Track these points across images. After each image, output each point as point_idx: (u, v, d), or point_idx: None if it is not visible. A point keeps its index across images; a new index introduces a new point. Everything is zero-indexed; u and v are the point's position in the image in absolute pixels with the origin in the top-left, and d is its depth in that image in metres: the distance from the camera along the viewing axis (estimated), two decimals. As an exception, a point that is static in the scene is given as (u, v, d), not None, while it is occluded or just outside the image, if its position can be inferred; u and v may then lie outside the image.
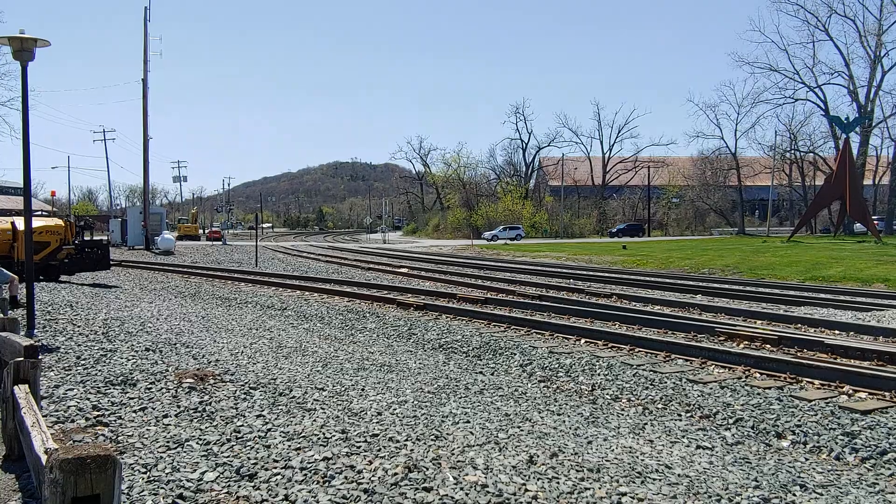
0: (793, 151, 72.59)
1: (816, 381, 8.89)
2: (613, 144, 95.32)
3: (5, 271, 14.50)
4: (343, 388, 7.88)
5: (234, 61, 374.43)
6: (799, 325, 13.41)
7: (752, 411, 7.86)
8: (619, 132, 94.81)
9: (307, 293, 19.96)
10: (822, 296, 18.61)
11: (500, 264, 32.38)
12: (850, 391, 8.48)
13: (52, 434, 4.11)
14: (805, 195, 73.03)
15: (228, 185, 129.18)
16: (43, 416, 4.65)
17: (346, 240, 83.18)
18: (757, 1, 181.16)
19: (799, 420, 7.49)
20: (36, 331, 10.92)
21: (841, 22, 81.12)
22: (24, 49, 10.16)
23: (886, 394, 8.25)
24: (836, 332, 12.70)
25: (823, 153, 69.83)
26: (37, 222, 20.17)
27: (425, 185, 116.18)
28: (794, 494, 5.40)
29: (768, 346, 11.19)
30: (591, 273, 26.75)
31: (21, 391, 5.04)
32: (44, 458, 3.43)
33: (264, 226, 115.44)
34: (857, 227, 56.26)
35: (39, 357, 5.54)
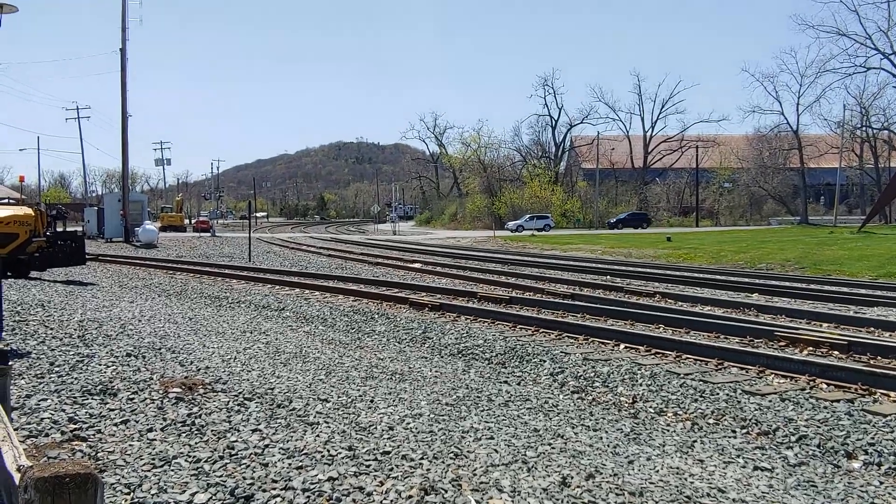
0: (864, 128, 71.81)
1: (893, 394, 8.81)
2: (656, 121, 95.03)
3: (-31, 267, 14.67)
4: (350, 400, 7.89)
5: (224, 30, 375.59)
6: (872, 329, 13.28)
7: (818, 427, 7.79)
8: (663, 107, 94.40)
9: (307, 291, 20.04)
10: (899, 295, 18.41)
11: (526, 258, 32.33)
12: (932, 405, 8.39)
13: (24, 449, 4.16)
14: (878, 179, 72.21)
15: (218, 168, 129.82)
16: (14, 430, 4.70)
17: (352, 231, 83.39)
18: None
19: (872, 438, 7.42)
20: (4, 334, 11.02)
21: (920, -22, 79.93)
22: (-11, 16, 10.24)
23: (974, 408, 8.15)
24: (915, 336, 12.57)
25: (900, 131, 68.97)
26: (3, 212, 20.39)
27: (441, 168, 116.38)
28: (867, 523, 5.35)
29: (836, 352, 11.09)
30: (630, 269, 26.65)
31: (-10, 401, 5.10)
32: (16, 476, 3.46)
33: (258, 215, 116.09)
34: (938, 215, 55.55)
35: (9, 363, 5.60)
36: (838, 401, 8.67)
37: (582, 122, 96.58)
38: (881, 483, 6.45)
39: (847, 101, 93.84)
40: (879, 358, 10.64)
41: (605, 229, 67.76)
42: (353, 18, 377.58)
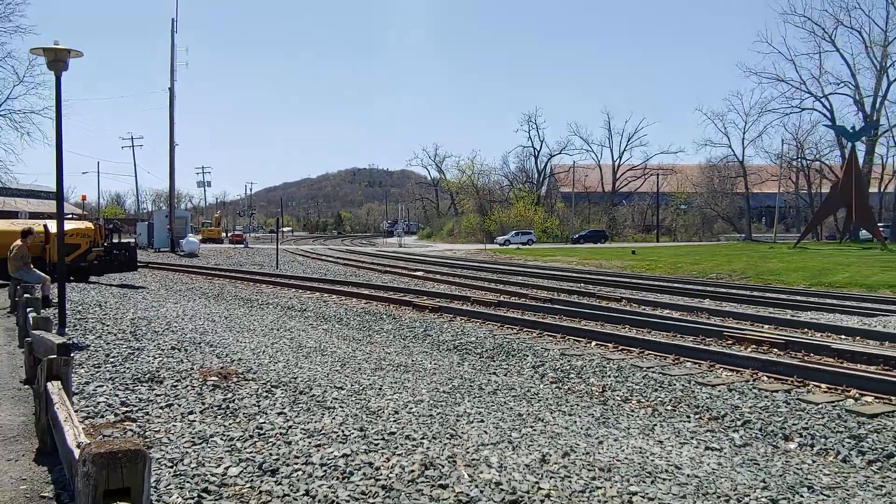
0: (799, 160, 71.98)
1: (823, 385, 8.81)
2: (623, 152, 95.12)
3: (38, 272, 14.67)
4: (361, 388, 7.88)
5: (257, 71, 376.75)
6: (806, 330, 13.29)
7: (760, 414, 7.79)
8: (629, 140, 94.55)
9: (326, 295, 20.03)
10: (829, 301, 18.44)
11: (512, 268, 32.34)
12: (857, 395, 8.40)
13: (83, 429, 4.14)
14: (811, 202, 72.37)
15: (250, 190, 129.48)
16: (74, 412, 4.68)
17: (364, 243, 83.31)
18: (765, 13, 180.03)
19: (806, 423, 7.42)
20: (67, 329, 11.00)
21: (847, 33, 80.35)
22: (58, 59, 10.27)
23: (893, 398, 8.16)
24: (843, 336, 12.58)
25: (829, 161, 69.22)
26: (68, 225, 20.35)
27: (440, 190, 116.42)
28: (802, 496, 5.34)
29: (776, 349, 11.10)
30: (601, 277, 26.66)
31: (54, 387, 5.08)
32: (76, 452, 3.45)
33: (284, 230, 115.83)
34: (862, 233, 55.63)
35: (71, 354, 5.59)
36: (777, 391, 8.68)
37: (560, 153, 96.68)
38: (813, 461, 6.44)
39: (785, 136, 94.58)
40: (812, 355, 10.65)
41: (580, 243, 67.63)
42: (369, 63, 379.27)
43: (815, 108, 66.78)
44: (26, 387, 7.49)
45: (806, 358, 10.38)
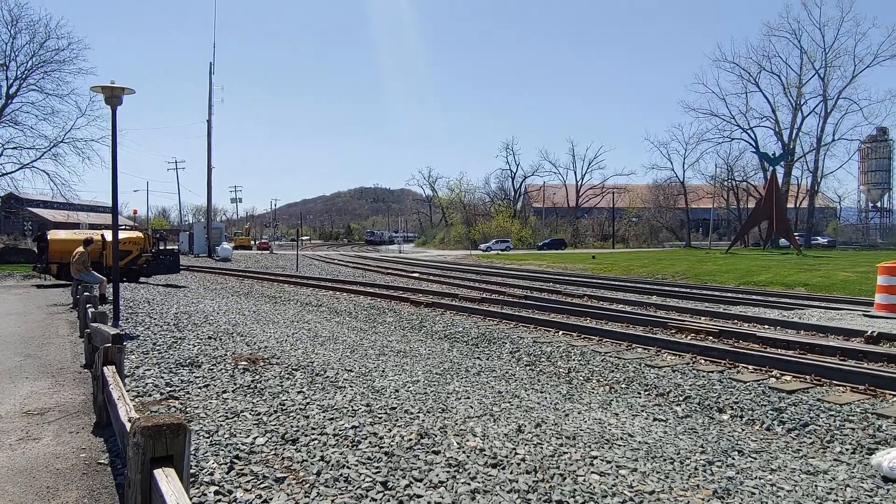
0: (729, 180, 72.62)
1: (750, 367, 8.85)
2: (585, 174, 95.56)
3: (96, 274, 14.55)
4: (367, 370, 7.85)
5: (282, 106, 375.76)
6: (736, 321, 13.35)
7: (699, 390, 7.82)
8: (590, 164, 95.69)
9: (338, 293, 19.95)
10: (754, 297, 18.54)
11: (493, 270, 32.33)
12: (778, 374, 8.44)
13: (133, 405, 4.10)
14: (739, 215, 72.88)
15: (275, 205, 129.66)
16: (126, 391, 4.64)
17: (369, 250, 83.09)
18: (701, 59, 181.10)
19: (736, 398, 7.45)
20: (120, 322, 10.92)
21: (768, 77, 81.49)
22: (113, 96, 10.23)
23: (807, 377, 8.20)
24: (766, 326, 12.65)
25: (754, 182, 69.86)
26: (122, 235, 20.21)
27: (433, 206, 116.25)
28: (733, 458, 5.36)
29: (711, 337, 11.14)
30: (566, 278, 26.69)
31: (109, 371, 5.05)
32: (128, 425, 3.42)
33: (303, 238, 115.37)
34: (782, 241, 56.09)
35: (123, 343, 5.54)
36: (713, 371, 8.70)
37: (533, 175, 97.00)
38: (743, 430, 6.46)
39: (718, 161, 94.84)
40: (741, 341, 10.69)
41: (543, 250, 67.57)
42: (374, 95, 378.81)
43: (742, 138, 67.48)
44: (86, 370, 7.43)
45: (736, 344, 10.42)
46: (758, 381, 8.17)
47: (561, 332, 11.94)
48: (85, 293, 10.26)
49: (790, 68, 70.39)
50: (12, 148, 29.98)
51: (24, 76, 29.69)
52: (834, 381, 7.98)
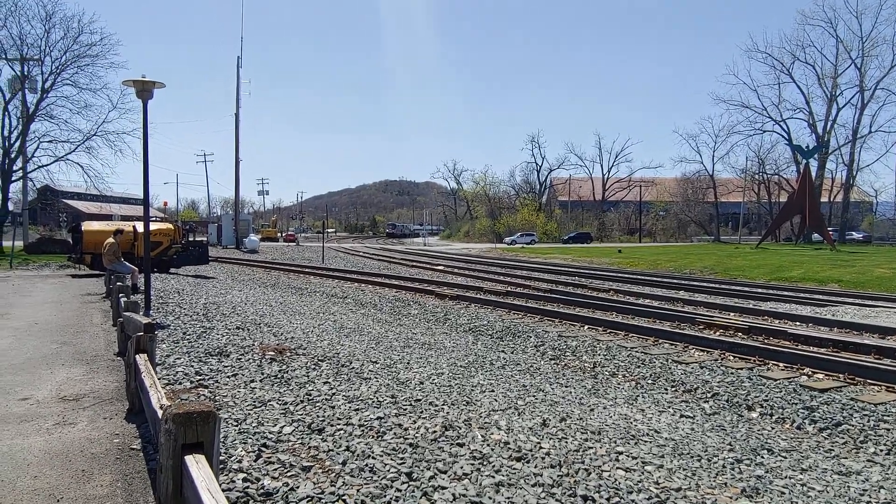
0: (761, 174, 70.96)
1: (781, 364, 8.69)
2: (611, 167, 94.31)
3: (128, 264, 14.85)
4: (392, 362, 7.88)
5: (308, 99, 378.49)
6: (766, 317, 13.10)
7: (727, 387, 7.70)
8: (616, 157, 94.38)
9: (363, 285, 20.08)
10: (786, 293, 18.16)
11: (518, 264, 32.20)
12: (810, 373, 8.27)
13: (164, 393, 4.18)
14: (771, 210, 71.27)
15: (301, 197, 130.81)
16: (158, 379, 4.73)
17: (394, 243, 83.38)
18: (732, 50, 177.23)
19: (766, 395, 7.32)
20: (151, 311, 11.13)
21: (802, 67, 79.45)
22: (144, 90, 10.39)
23: (840, 375, 8.02)
24: (798, 323, 12.39)
25: (787, 175, 68.13)
26: (152, 226, 20.60)
27: (458, 199, 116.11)
28: (762, 457, 5.27)
29: (740, 333, 10.95)
30: (592, 272, 26.46)
31: (141, 359, 5.14)
32: (159, 412, 3.49)
33: (329, 231, 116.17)
34: (815, 236, 54.75)
35: (155, 332, 5.65)
36: (742, 369, 8.56)
37: (559, 168, 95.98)
38: (772, 428, 6.35)
39: (748, 154, 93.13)
40: (771, 338, 10.50)
41: (569, 244, 66.99)
42: (399, 89, 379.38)
43: (774, 130, 65.93)
44: (119, 358, 7.60)
45: (766, 341, 10.23)
46: (789, 378, 8.01)
47: (586, 327, 11.85)
48: (117, 283, 10.48)
49: (825, 58, 68.51)
50: (48, 141, 30.75)
51: (58, 71, 30.39)
52: (868, 380, 7.79)
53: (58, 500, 3.75)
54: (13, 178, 30.40)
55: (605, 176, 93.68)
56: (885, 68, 59.09)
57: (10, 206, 32.06)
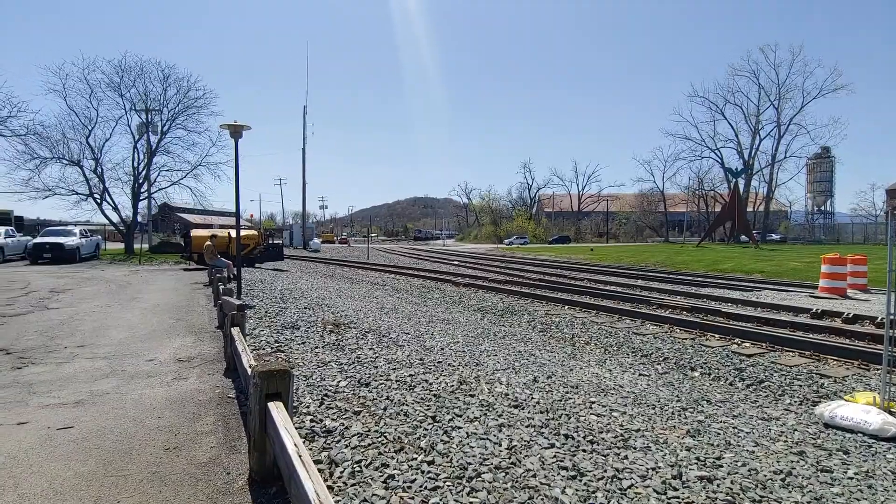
0: (700, 190, 69.80)
1: (717, 335, 8.55)
2: (585, 186, 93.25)
3: (224, 260, 15.05)
4: (420, 333, 7.90)
5: (357, 134, 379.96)
6: (704, 299, 12.87)
7: (675, 353, 7.59)
8: (589, 178, 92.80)
9: (398, 275, 20.12)
10: (720, 281, 17.82)
11: (514, 259, 32.04)
12: (739, 342, 8.12)
13: (252, 356, 4.24)
14: (708, 217, 69.98)
15: (351, 210, 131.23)
16: (247, 346, 4.79)
17: (421, 244, 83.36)
18: (678, 95, 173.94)
19: (705, 359, 7.21)
20: (242, 296, 11.26)
21: (732, 108, 77.95)
22: (236, 131, 10.51)
23: (763, 344, 7.87)
24: (730, 304, 12.16)
25: (720, 191, 66.84)
26: (243, 233, 20.88)
27: (468, 211, 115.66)
28: (703, 405, 5.19)
29: (685, 312, 10.79)
30: (571, 265, 26.22)
31: (235, 331, 5.22)
32: (249, 370, 3.55)
33: (372, 235, 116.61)
34: (742, 238, 53.67)
35: (245, 311, 5.72)
36: (686, 339, 8.44)
37: (545, 187, 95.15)
38: (710, 384, 6.26)
39: (691, 175, 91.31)
40: (709, 316, 10.33)
41: (553, 244, 66.37)
42: (421, 127, 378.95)
43: (711, 156, 65.18)
44: (218, 330, 7.71)
45: (705, 318, 10.07)
46: (723, 346, 7.88)
47: (567, 307, 11.77)
48: (217, 274, 10.63)
49: (750, 101, 66.90)
50: (166, 170, 31.36)
51: (172, 118, 30.91)
52: (785, 348, 7.63)
53: (175, 434, 3.82)
54: (141, 198, 31.03)
55: (581, 192, 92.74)
56: (797, 108, 57.84)
57: (139, 219, 32.73)
